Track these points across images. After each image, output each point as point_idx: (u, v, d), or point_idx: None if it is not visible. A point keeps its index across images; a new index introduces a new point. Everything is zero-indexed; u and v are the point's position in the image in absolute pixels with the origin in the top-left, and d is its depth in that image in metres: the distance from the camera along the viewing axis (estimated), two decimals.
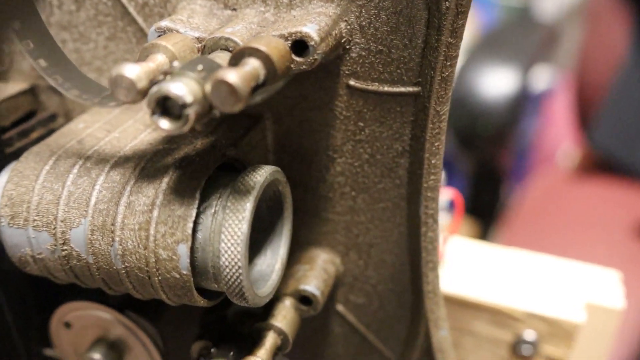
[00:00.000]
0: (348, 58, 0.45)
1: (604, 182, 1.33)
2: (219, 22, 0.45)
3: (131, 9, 0.48)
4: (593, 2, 1.40)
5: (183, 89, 0.34)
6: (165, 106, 0.36)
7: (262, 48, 0.38)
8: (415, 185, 0.47)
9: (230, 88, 0.34)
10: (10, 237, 0.44)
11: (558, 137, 1.54)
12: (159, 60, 0.39)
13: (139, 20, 0.48)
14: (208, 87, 0.35)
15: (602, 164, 1.34)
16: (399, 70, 0.44)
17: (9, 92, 0.52)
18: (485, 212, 1.28)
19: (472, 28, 1.58)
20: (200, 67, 0.37)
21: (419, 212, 0.47)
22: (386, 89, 0.45)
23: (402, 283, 0.52)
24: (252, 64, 0.38)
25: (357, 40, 0.44)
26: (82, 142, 0.46)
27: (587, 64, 1.32)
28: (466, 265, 0.68)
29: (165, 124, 0.35)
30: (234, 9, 0.46)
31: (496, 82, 1.12)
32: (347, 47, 0.44)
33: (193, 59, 0.38)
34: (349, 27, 0.44)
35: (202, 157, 0.42)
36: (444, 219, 0.67)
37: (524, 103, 1.21)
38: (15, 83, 0.54)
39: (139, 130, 0.47)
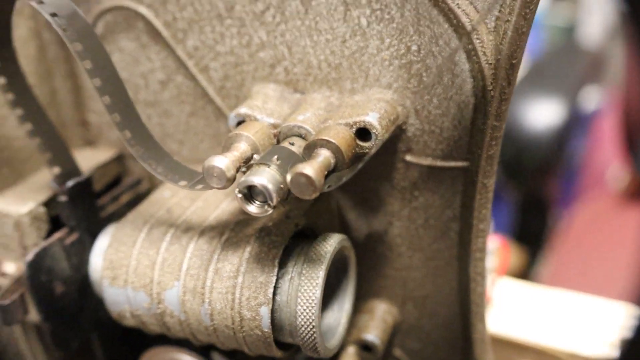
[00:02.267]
0: (404, 137, 0.53)
1: None
2: (289, 106, 0.53)
3: (210, 91, 0.57)
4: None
5: (266, 180, 0.43)
6: (251, 192, 0.45)
7: (332, 140, 0.47)
8: (465, 247, 0.55)
9: (308, 180, 0.43)
10: (111, 296, 0.54)
11: (607, 157, 1.60)
12: (242, 149, 0.48)
13: (217, 100, 0.57)
14: (288, 178, 0.43)
15: None
16: (449, 148, 0.52)
17: (101, 160, 0.62)
18: (532, 239, 1.35)
19: None
20: (275, 157, 0.46)
21: (468, 271, 0.56)
22: (438, 163, 0.53)
23: (454, 331, 0.60)
24: (324, 154, 0.46)
25: (412, 121, 0.52)
26: (171, 211, 0.55)
27: (630, 86, 1.37)
28: (513, 306, 0.75)
29: (252, 208, 0.45)
30: (303, 93, 0.54)
31: (543, 113, 1.19)
32: (404, 127, 0.53)
33: (271, 149, 0.47)
34: (405, 110, 0.52)
35: (278, 227, 0.51)
36: (491, 262, 0.75)
37: (571, 129, 1.27)
38: (103, 150, 0.64)
39: (220, 199, 0.56)
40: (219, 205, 0.55)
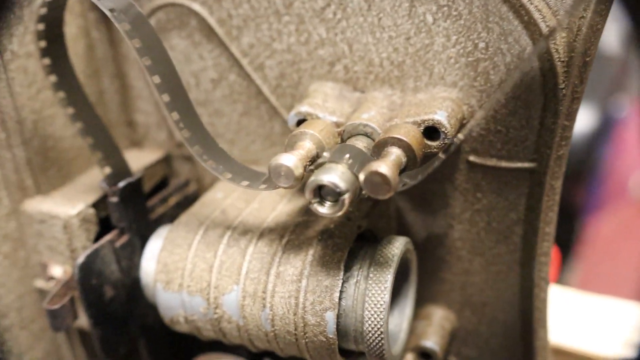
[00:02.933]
0: (468, 136, 0.51)
1: None
2: (349, 104, 0.52)
3: (265, 90, 0.56)
4: None
5: (339, 179, 0.42)
6: (321, 193, 0.43)
7: (404, 138, 0.45)
8: (529, 251, 0.53)
9: (383, 179, 0.41)
10: (165, 300, 0.52)
11: (630, 165, 1.58)
12: (307, 147, 0.46)
13: (272, 99, 0.56)
14: (361, 177, 0.42)
15: None
16: (516, 148, 0.51)
17: (148, 161, 0.60)
18: (561, 247, 1.33)
19: None
20: (347, 155, 0.44)
21: (532, 276, 0.54)
22: (504, 164, 0.51)
23: (513, 338, 0.58)
24: (396, 153, 0.45)
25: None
26: (225, 212, 0.54)
27: None
28: (561, 314, 0.74)
29: (323, 210, 0.43)
30: (363, 92, 0.53)
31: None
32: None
33: (339, 147, 0.45)
34: (470, 109, 0.50)
35: (340, 229, 0.49)
36: None
37: (600, 137, 1.25)
38: (150, 151, 0.62)
39: (276, 200, 0.54)
40: (275, 206, 0.54)
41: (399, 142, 0.45)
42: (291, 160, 0.43)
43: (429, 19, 0.49)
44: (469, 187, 0.53)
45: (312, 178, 0.42)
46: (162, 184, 0.62)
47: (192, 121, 0.48)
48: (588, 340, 0.69)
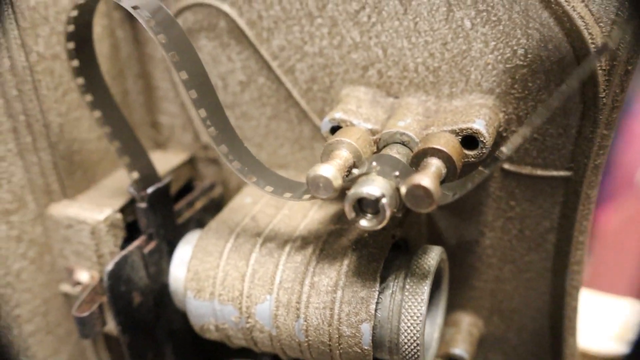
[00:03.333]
0: (503, 144, 0.50)
1: None
2: (383, 110, 0.51)
3: (295, 93, 0.55)
4: None
5: (379, 191, 0.41)
6: (360, 205, 0.42)
7: (444, 148, 0.44)
8: (562, 259, 0.53)
9: (426, 192, 0.40)
10: (195, 309, 0.51)
11: (638, 158, 1.57)
12: (344, 156, 0.45)
13: (302, 103, 0.55)
14: (403, 190, 0.41)
15: None
16: (552, 156, 0.50)
17: (174, 163, 0.59)
18: None
19: None
20: (385, 165, 0.43)
21: (564, 284, 0.53)
22: (539, 172, 0.51)
23: (542, 346, 0.57)
24: (436, 164, 0.44)
25: (514, 129, 0.50)
26: (256, 219, 0.53)
27: None
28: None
29: (364, 223, 0.42)
30: (396, 97, 0.52)
31: None
32: (504, 134, 0.50)
33: (377, 157, 0.44)
34: (506, 117, 0.49)
35: (375, 239, 0.49)
36: None
37: None
38: (175, 153, 0.61)
39: (306, 207, 0.53)
40: (306, 213, 0.53)
41: (438, 153, 0.44)
42: (330, 171, 0.42)
43: (467, 24, 0.48)
44: (503, 195, 0.52)
45: (352, 191, 0.41)
46: (186, 187, 0.61)
47: (219, 119, 0.47)
48: (588, 337, 0.69)
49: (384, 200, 0.40)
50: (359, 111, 0.50)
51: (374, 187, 0.41)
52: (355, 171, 0.43)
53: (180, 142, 0.62)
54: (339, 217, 0.52)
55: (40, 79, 0.52)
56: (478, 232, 0.55)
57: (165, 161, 0.59)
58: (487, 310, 0.58)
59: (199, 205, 0.58)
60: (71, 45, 0.49)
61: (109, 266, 0.50)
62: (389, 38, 0.50)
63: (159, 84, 0.60)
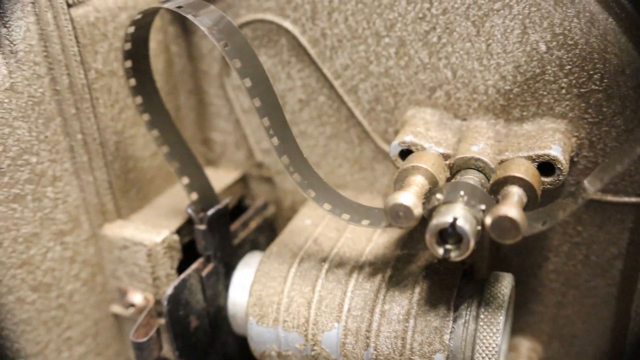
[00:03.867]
0: (574, 169, 0.49)
1: None
2: (452, 133, 0.49)
3: (357, 113, 0.53)
4: None
5: (463, 221, 0.39)
6: (441, 235, 0.41)
7: (525, 177, 0.43)
8: (628, 285, 0.52)
9: (513, 223, 0.39)
10: (257, 335, 0.50)
11: None
12: (420, 183, 0.44)
13: (364, 123, 0.53)
14: (488, 221, 0.39)
15: None
16: (623, 182, 0.49)
17: (227, 182, 0.58)
18: None
19: None
20: (462, 192, 0.42)
21: (629, 310, 0.52)
22: (609, 198, 0.49)
23: None
24: (518, 193, 0.43)
25: (585, 153, 0.49)
26: (318, 242, 0.51)
27: None
28: None
29: (447, 254, 0.41)
30: (464, 119, 0.50)
31: None
32: (575, 159, 0.49)
33: (455, 185, 0.43)
34: (578, 142, 0.48)
35: (445, 266, 0.47)
36: None
37: None
38: (226, 171, 0.60)
39: (369, 230, 0.52)
40: (370, 237, 0.51)
41: (520, 181, 0.43)
42: (410, 199, 0.41)
43: (542, 47, 0.46)
44: (570, 220, 0.51)
45: (434, 221, 0.40)
46: (237, 206, 0.59)
47: (282, 129, 0.46)
48: None
49: (467, 230, 0.39)
50: (428, 134, 0.48)
51: (459, 216, 0.40)
52: (438, 198, 0.42)
53: (231, 160, 0.60)
54: (405, 242, 0.50)
55: (98, 96, 0.50)
56: (542, 257, 0.53)
57: (217, 179, 0.58)
58: (546, 335, 0.57)
59: (253, 225, 0.57)
60: (128, 63, 0.48)
61: (169, 290, 0.49)
62: (460, 59, 0.49)
63: (212, 101, 0.59)
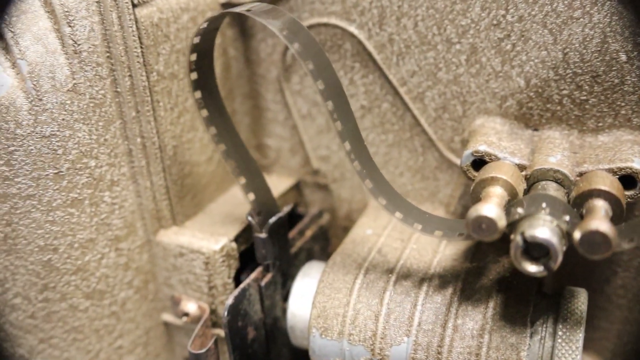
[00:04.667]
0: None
1: None
2: (524, 143, 0.48)
3: (422, 121, 0.52)
4: None
5: (550, 235, 0.38)
6: (526, 247, 0.39)
7: (610, 190, 0.41)
8: None
9: (605, 239, 0.37)
10: (320, 348, 0.48)
11: None
12: (500, 194, 0.42)
13: (430, 131, 0.52)
14: (577, 235, 0.38)
15: None
16: None
17: (282, 188, 0.56)
18: None
19: None
20: (544, 204, 0.40)
21: None
22: None
23: None
24: (604, 207, 0.41)
25: None
26: (382, 253, 0.50)
27: None
28: None
29: (533, 268, 0.39)
30: (535, 129, 0.49)
31: None
32: None
33: (536, 197, 0.41)
34: None
35: (519, 279, 0.46)
36: None
37: None
38: (280, 178, 0.58)
39: (434, 241, 0.50)
40: (436, 249, 0.50)
41: (605, 195, 0.41)
42: (493, 211, 0.39)
43: (622, 57, 0.45)
44: None
45: (520, 234, 0.38)
46: (290, 213, 0.58)
47: (353, 132, 0.44)
48: None
49: (555, 245, 0.38)
50: (501, 144, 0.47)
51: (546, 230, 0.38)
52: (519, 212, 0.40)
53: (285, 167, 0.59)
54: (473, 254, 0.49)
55: (159, 99, 0.48)
56: (610, 271, 0.52)
57: (271, 185, 0.56)
58: (610, 352, 0.55)
59: (309, 233, 0.55)
60: (194, 57, 0.46)
61: (229, 300, 0.47)
62: (534, 68, 0.47)
63: (269, 106, 0.57)
